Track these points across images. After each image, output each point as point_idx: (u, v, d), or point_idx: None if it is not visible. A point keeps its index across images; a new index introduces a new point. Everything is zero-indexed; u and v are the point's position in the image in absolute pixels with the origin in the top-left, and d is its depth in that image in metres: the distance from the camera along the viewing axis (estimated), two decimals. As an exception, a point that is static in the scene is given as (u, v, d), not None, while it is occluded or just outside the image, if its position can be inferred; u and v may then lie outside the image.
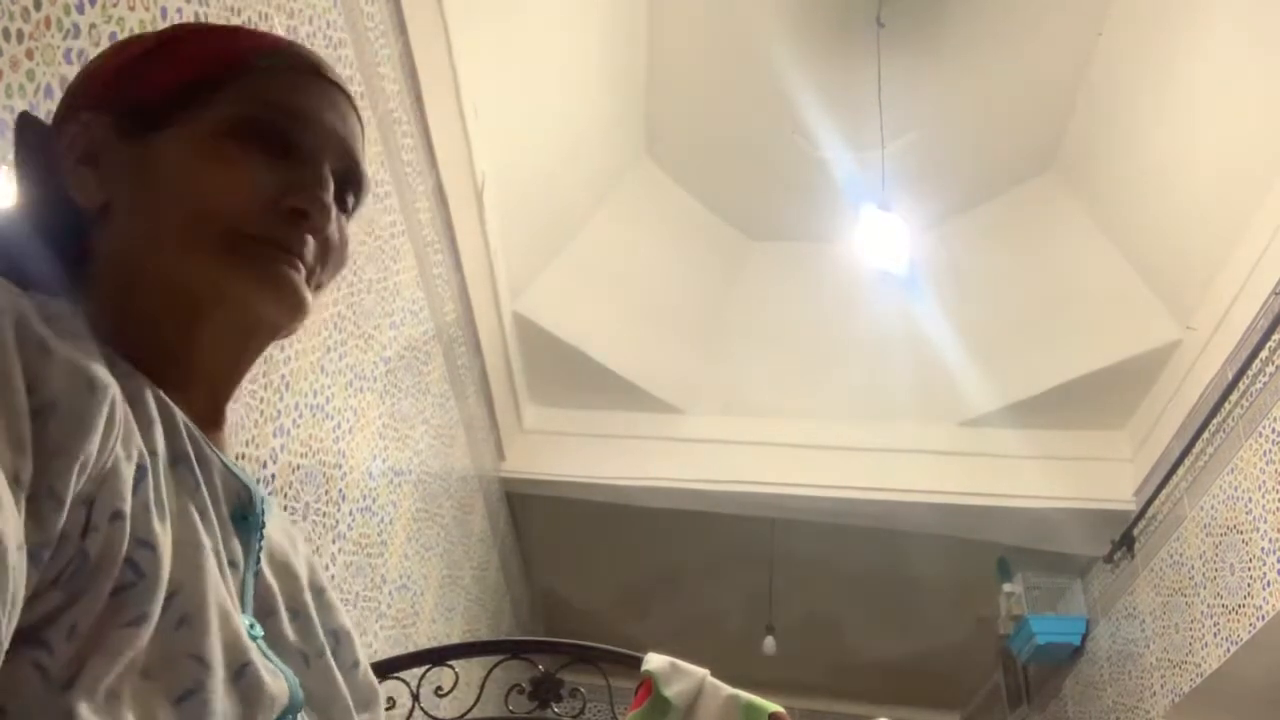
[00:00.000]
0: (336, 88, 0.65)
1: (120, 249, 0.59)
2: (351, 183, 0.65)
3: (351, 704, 0.62)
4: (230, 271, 0.58)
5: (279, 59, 0.63)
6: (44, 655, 0.42)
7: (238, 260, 0.58)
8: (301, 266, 0.60)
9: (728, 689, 1.34)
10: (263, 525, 0.59)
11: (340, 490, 2.15)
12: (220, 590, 0.50)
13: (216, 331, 0.60)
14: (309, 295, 0.61)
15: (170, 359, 0.59)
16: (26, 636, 0.42)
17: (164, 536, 0.48)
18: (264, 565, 0.59)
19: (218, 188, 0.58)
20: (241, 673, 0.50)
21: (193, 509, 0.53)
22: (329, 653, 0.61)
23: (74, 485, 0.43)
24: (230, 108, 0.60)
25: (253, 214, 0.58)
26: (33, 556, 0.41)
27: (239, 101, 0.60)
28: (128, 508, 0.46)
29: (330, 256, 0.63)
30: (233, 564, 0.55)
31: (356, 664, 0.66)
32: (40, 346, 0.45)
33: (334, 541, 2.13)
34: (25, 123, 0.64)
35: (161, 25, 1.33)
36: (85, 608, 0.44)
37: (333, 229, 0.63)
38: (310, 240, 0.61)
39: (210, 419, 0.62)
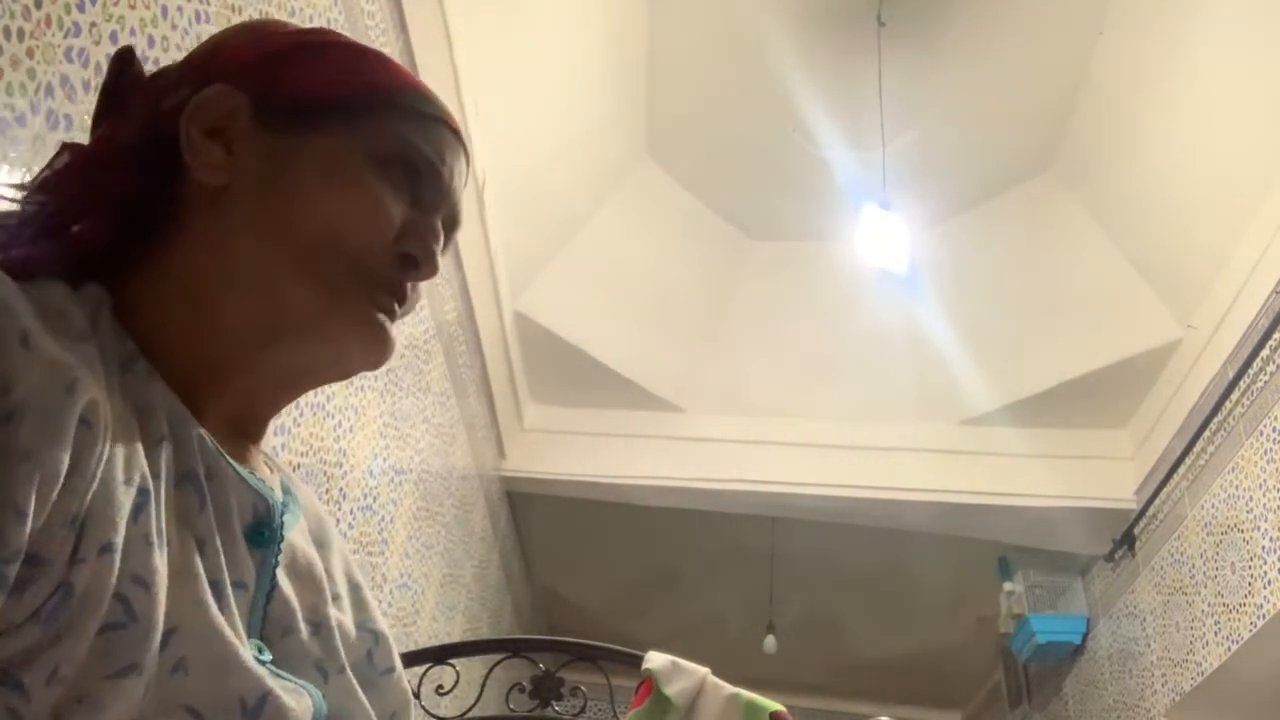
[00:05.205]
0: (461, 144, 0.65)
1: (227, 240, 0.57)
2: (450, 236, 0.65)
3: (374, 716, 0.58)
4: (341, 309, 0.57)
5: (422, 103, 0.63)
6: (18, 699, 0.38)
7: (351, 297, 0.57)
8: (395, 314, 0.60)
9: (728, 687, 1.34)
10: (280, 540, 0.56)
11: (341, 489, 2.15)
12: (221, 626, 0.47)
13: (292, 357, 0.59)
14: (393, 348, 0.61)
15: (222, 363, 0.57)
16: None
17: (161, 570, 0.45)
18: (281, 580, 0.56)
19: (358, 218, 0.58)
20: (262, 705, 0.47)
21: (192, 534, 0.49)
22: (349, 669, 0.58)
23: (36, 496, 0.39)
24: (374, 139, 0.60)
25: (375, 250, 0.58)
26: None
27: (382, 135, 0.60)
28: (120, 539, 0.43)
29: (408, 305, 0.62)
30: (242, 585, 0.52)
31: (391, 669, 0.63)
32: (22, 339, 0.42)
33: (335, 540, 2.13)
34: (127, 59, 0.60)
35: (162, 24, 1.33)
36: (69, 649, 0.40)
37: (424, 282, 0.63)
38: (408, 288, 0.61)
39: (245, 430, 0.60)
